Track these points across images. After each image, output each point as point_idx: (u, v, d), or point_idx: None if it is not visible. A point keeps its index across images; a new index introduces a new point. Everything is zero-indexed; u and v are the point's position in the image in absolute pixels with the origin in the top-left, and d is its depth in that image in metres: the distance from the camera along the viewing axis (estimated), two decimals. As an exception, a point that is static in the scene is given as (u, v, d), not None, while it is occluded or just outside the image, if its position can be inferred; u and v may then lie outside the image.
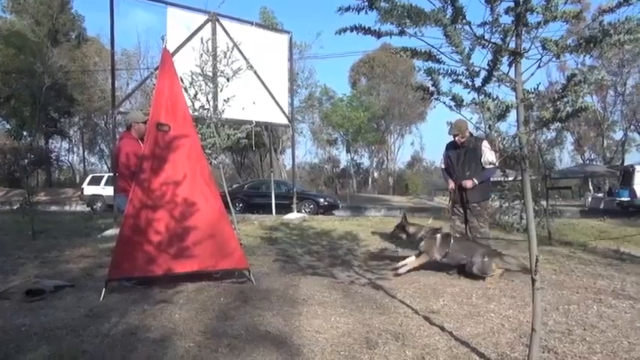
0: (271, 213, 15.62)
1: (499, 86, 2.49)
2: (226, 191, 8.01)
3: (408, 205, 25.34)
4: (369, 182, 50.46)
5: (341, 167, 51.72)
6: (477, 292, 4.78)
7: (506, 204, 8.96)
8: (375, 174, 52.49)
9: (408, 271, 5.60)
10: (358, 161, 51.75)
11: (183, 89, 6.99)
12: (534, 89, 2.52)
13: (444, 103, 2.49)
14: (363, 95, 42.61)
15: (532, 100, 2.51)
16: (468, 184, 6.26)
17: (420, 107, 45.75)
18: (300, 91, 42.32)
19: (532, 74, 2.49)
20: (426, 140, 55.34)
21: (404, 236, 5.95)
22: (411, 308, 4.23)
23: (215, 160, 8.07)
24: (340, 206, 22.02)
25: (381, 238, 8.43)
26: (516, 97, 2.47)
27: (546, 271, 5.78)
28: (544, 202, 8.62)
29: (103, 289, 4.46)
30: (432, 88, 2.49)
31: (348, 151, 36.56)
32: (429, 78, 2.44)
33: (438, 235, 5.71)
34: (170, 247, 4.79)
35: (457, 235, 6.05)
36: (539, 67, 2.45)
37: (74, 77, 37.46)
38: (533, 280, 2.57)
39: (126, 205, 4.80)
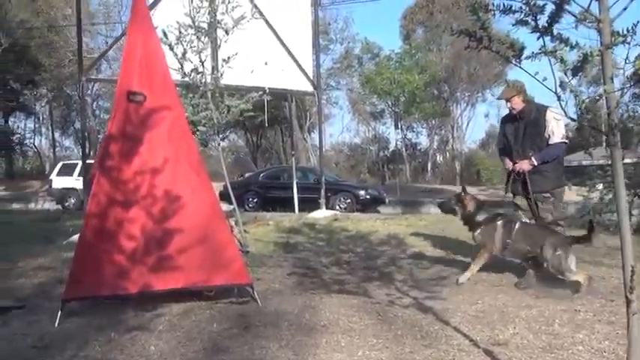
0: (294, 210, 15.64)
1: (576, 27, 2.35)
2: (227, 182, 8.06)
3: (481, 199, 24.97)
4: (428, 168, 49.97)
5: (391, 149, 51.28)
6: (561, 316, 4.63)
7: (609, 195, 8.68)
8: (438, 157, 51.89)
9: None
10: (414, 140, 51.26)
11: (167, 47, 7.02)
12: (629, 30, 2.36)
13: (498, 53, 2.36)
14: (418, 51, 42.03)
15: (625, 45, 2.36)
16: (524, 165, 6.13)
17: (497, 66, 44.86)
18: (333, 48, 42.17)
19: (624, 9, 2.34)
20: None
21: (458, 211, 6.11)
22: (468, 338, 4.13)
23: (214, 141, 8.09)
24: (387, 201, 21.86)
25: (436, 243, 8.30)
26: (601, 42, 2.33)
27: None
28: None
29: (59, 312, 4.50)
30: (479, 33, 2.36)
31: (397, 127, 36.18)
32: (475, 17, 2.31)
33: (500, 222, 5.82)
34: (147, 256, 4.80)
35: (525, 220, 6.12)
36: (634, -2, 2.30)
37: (39, 35, 38.07)
38: (629, 301, 2.45)
39: None
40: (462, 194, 6.14)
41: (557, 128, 6.03)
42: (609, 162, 7.41)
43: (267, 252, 7.90)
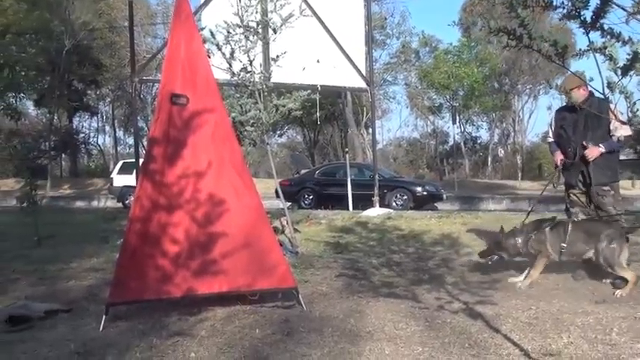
0: (348, 208, 15.53)
1: (627, 21, 2.18)
2: (276, 180, 8.01)
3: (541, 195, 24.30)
4: (489, 163, 49.12)
5: (450, 143, 50.57)
6: (620, 324, 4.40)
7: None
8: (501, 151, 50.96)
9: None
10: (474, 134, 50.44)
11: (215, 46, 7.01)
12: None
13: (540, 52, 2.20)
14: (478, 44, 41.29)
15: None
16: (594, 152, 6.01)
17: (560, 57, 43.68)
18: (389, 43, 41.90)
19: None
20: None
21: (504, 255, 6.01)
22: (519, 347, 3.95)
23: (262, 142, 8.05)
24: (445, 197, 21.49)
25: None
26: (655, 38, 2.14)
27: None
28: None
29: (103, 316, 4.51)
30: (519, 31, 2.20)
31: (454, 121, 35.61)
32: (513, 14, 2.15)
33: (547, 228, 5.80)
34: (191, 260, 4.78)
35: (576, 220, 6.12)
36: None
37: (100, 36, 39.12)
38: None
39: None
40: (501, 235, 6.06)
41: (620, 128, 5.87)
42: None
43: (317, 252, 7.82)
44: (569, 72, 5.52)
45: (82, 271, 6.69)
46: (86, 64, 38.79)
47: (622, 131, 5.88)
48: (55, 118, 39.70)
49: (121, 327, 4.54)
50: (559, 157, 6.35)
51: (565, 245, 5.65)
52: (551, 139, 6.62)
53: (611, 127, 5.95)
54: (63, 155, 45.41)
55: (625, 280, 5.40)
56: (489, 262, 6.15)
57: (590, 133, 6.06)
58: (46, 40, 34.64)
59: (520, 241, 5.83)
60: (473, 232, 9.00)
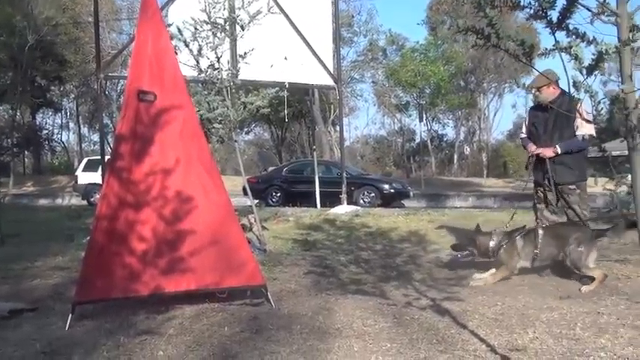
0: (316, 205, 15.55)
1: (592, 22, 2.21)
2: (244, 178, 7.99)
3: (506, 192, 24.66)
4: (455, 160, 49.59)
5: (416, 141, 50.93)
6: (583, 319, 4.47)
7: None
8: (467, 149, 51.48)
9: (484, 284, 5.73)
10: (440, 132, 50.87)
11: (182, 43, 6.96)
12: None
13: (507, 51, 2.23)
14: (444, 42, 41.65)
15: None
16: (547, 152, 6.10)
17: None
18: (357, 40, 42.04)
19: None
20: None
21: (475, 252, 6.00)
22: (485, 343, 3.99)
23: (230, 139, 8.01)
24: (412, 194, 21.67)
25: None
26: (619, 38, 2.18)
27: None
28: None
29: (69, 315, 4.44)
30: (487, 30, 2.23)
31: (421, 119, 35.85)
32: (481, 14, 2.17)
33: (518, 237, 5.76)
34: (159, 258, 4.73)
35: (546, 224, 6.10)
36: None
37: (64, 32, 38.53)
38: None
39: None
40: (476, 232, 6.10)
41: (586, 122, 5.94)
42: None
43: (285, 250, 7.82)
44: (535, 71, 5.60)
45: (47, 270, 6.59)
46: (50, 60, 38.19)
47: (585, 130, 5.94)
48: (18, 114, 39.08)
49: (87, 326, 4.48)
50: (532, 147, 6.35)
51: (537, 252, 5.69)
52: (523, 135, 6.70)
53: (574, 126, 6.02)
54: (26, 152, 44.67)
55: (592, 279, 5.47)
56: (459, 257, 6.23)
57: (558, 132, 6.13)
58: (8, 36, 34.13)
59: (492, 244, 5.83)
60: (439, 230, 9.09)
